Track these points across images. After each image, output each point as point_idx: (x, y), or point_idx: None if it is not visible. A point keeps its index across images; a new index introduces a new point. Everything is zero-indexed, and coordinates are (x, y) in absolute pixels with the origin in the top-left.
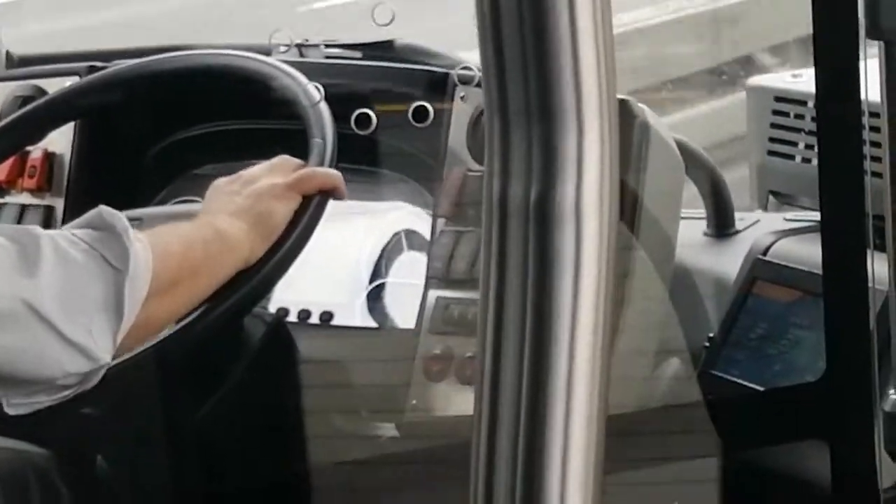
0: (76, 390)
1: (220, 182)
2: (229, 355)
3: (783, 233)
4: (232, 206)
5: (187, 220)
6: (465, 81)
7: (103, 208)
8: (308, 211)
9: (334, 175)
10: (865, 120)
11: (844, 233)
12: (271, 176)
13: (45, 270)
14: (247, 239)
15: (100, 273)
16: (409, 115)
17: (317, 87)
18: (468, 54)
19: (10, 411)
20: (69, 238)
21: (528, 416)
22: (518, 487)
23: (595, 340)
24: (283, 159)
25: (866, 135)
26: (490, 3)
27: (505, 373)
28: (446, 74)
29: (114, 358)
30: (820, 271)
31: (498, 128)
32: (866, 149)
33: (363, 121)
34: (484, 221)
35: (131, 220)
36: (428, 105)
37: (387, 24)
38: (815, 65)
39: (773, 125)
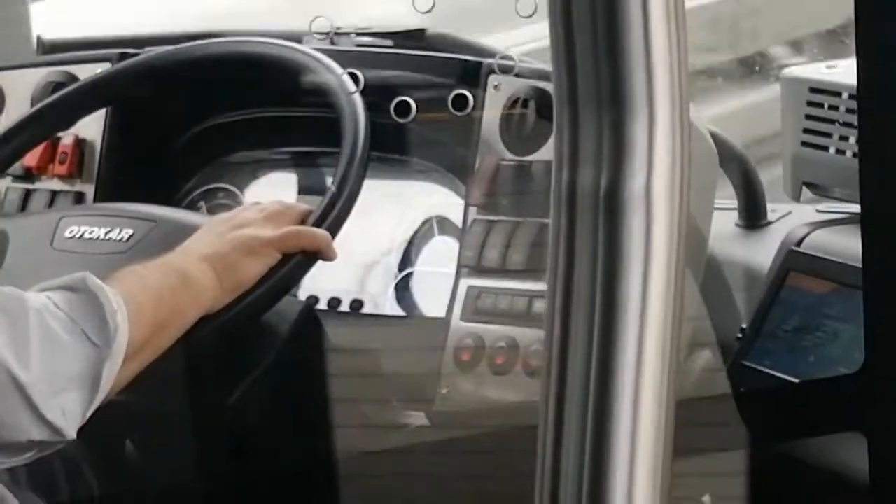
0: (33, 457)
1: (216, 219)
2: (259, 343)
3: (817, 224)
4: (208, 250)
5: (162, 261)
6: (504, 70)
7: (88, 277)
8: (284, 269)
9: (321, 237)
10: None
11: (885, 224)
12: (261, 226)
13: (33, 348)
14: (210, 287)
15: (81, 351)
16: (449, 103)
17: (355, 77)
18: None
19: None
20: (52, 310)
21: (597, 405)
22: (586, 476)
23: (664, 330)
24: (282, 207)
25: None
26: None
27: (573, 362)
28: (479, 63)
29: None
30: (855, 263)
31: (568, 116)
32: None
33: (402, 109)
34: (553, 210)
35: (146, 219)
36: (467, 93)
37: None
38: (858, 55)
39: (808, 116)
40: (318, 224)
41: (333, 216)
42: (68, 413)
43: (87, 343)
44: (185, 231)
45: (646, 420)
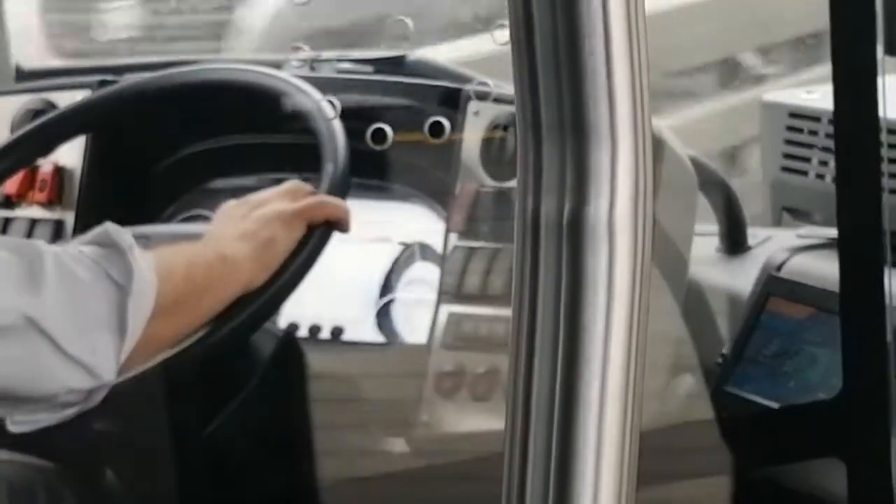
0: (79, 409)
1: (230, 205)
2: (239, 370)
3: (797, 249)
4: (237, 231)
5: (193, 242)
6: (481, 97)
7: (109, 225)
8: (312, 240)
9: (342, 206)
10: (884, 137)
11: (861, 250)
12: (280, 201)
13: (49, 287)
14: (249, 264)
15: (103, 291)
16: (426, 130)
17: (331, 103)
18: None
19: (14, 429)
20: (74, 254)
21: (561, 434)
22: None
23: (628, 359)
24: (295, 184)
25: (884, 152)
26: (524, 18)
27: (537, 390)
28: (458, 90)
29: (117, 377)
30: (835, 288)
31: (531, 143)
32: (883, 166)
33: (379, 135)
34: (516, 237)
35: (139, 237)
36: (444, 121)
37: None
38: (834, 81)
39: (787, 141)
40: (299, 248)
41: (313, 243)
42: (99, 352)
43: (110, 282)
44: (183, 240)
45: (610, 445)
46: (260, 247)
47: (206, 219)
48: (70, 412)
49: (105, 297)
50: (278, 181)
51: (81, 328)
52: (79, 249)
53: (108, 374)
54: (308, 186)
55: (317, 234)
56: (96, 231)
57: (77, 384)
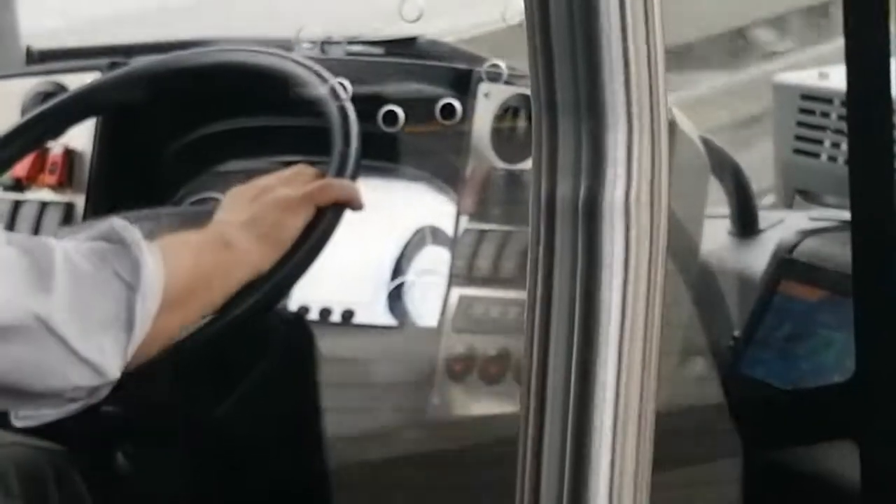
0: (83, 404)
1: (237, 190)
2: (250, 353)
3: (809, 232)
4: (244, 216)
5: (200, 226)
6: (493, 78)
7: (115, 220)
8: (322, 223)
9: (351, 187)
10: None
11: (874, 232)
12: (287, 186)
13: (58, 285)
14: (256, 250)
15: (111, 288)
16: (437, 112)
17: (342, 86)
18: None
19: (18, 424)
20: (81, 251)
21: (576, 417)
22: (566, 488)
23: (645, 341)
24: (301, 168)
25: None
26: None
27: (553, 373)
28: (469, 71)
29: (126, 368)
30: (847, 270)
31: (546, 125)
32: None
33: (390, 118)
34: (532, 220)
35: (149, 217)
36: (455, 103)
37: (415, 21)
38: (847, 63)
39: (800, 123)
40: (301, 242)
41: (322, 226)
42: (106, 351)
43: (117, 280)
44: (193, 220)
45: (627, 429)
46: (267, 233)
47: (216, 201)
48: (74, 407)
49: (113, 294)
50: (289, 164)
51: (90, 327)
52: (86, 245)
53: (115, 371)
54: (313, 169)
55: (326, 216)
56: (102, 226)
57: (84, 382)
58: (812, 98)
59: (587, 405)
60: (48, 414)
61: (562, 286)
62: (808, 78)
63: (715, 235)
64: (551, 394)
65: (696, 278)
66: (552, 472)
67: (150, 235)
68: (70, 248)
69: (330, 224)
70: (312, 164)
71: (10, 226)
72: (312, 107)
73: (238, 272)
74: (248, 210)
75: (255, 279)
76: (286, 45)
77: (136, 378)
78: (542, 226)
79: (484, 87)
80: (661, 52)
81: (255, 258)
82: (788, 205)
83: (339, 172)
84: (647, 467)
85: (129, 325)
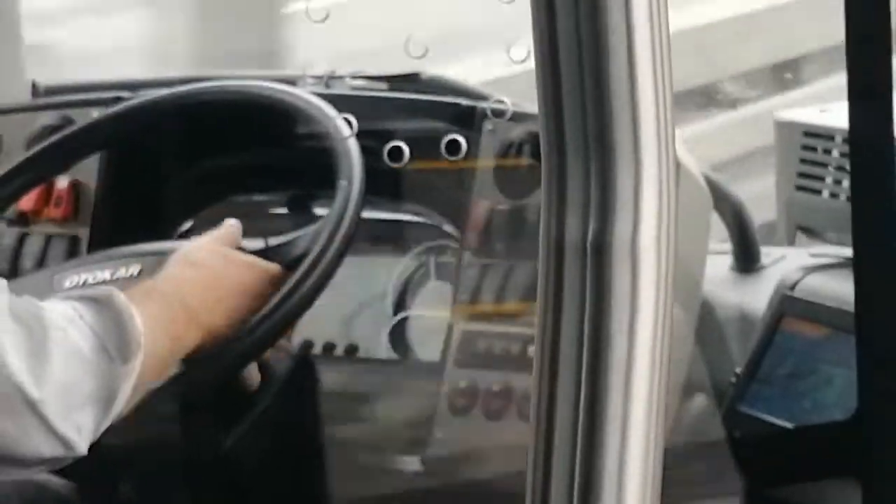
0: (43, 470)
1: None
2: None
3: (811, 268)
4: (202, 274)
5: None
6: (498, 115)
7: (115, 293)
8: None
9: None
10: None
11: (877, 269)
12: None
13: (51, 365)
14: (222, 325)
15: (100, 366)
16: (442, 148)
17: (347, 121)
18: None
19: None
20: (76, 322)
21: (584, 453)
22: None
23: (652, 380)
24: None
25: None
26: (548, 38)
27: (560, 411)
28: (473, 107)
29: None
30: (849, 307)
31: (555, 163)
32: None
33: (395, 153)
34: (540, 257)
35: (157, 253)
36: (460, 139)
37: (420, 57)
38: (849, 99)
39: (802, 160)
40: (312, 267)
41: (328, 260)
42: (82, 429)
43: (107, 359)
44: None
45: (633, 468)
46: (223, 297)
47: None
48: (33, 471)
49: (100, 373)
50: (295, 198)
51: (72, 405)
52: (79, 313)
53: (84, 448)
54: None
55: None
56: (102, 291)
57: (52, 454)
58: (814, 135)
59: (595, 443)
60: (7, 474)
61: (570, 324)
62: (810, 114)
63: (717, 271)
64: (559, 431)
65: (698, 314)
66: None
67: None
68: (67, 319)
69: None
70: (317, 198)
71: (15, 259)
72: (317, 142)
73: (192, 339)
74: (211, 270)
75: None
76: (291, 81)
77: (141, 411)
78: (551, 264)
79: (489, 124)
80: (670, 93)
81: (212, 327)
82: (790, 241)
83: (344, 208)
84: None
85: (110, 403)
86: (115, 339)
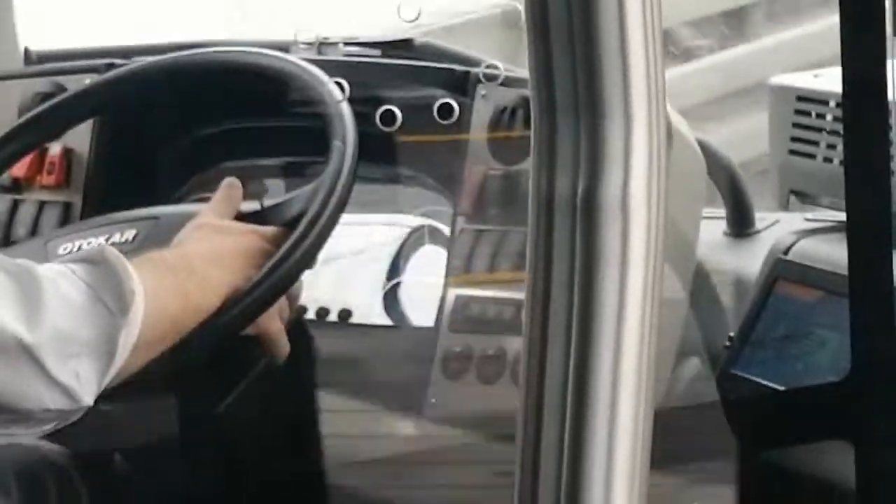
0: (53, 427)
1: (200, 221)
2: (248, 353)
3: (804, 232)
4: (210, 246)
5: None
6: (490, 79)
7: (107, 248)
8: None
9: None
10: (892, 120)
11: (870, 233)
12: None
13: (44, 311)
14: (225, 282)
15: (97, 316)
16: (434, 112)
17: (340, 86)
18: None
19: None
20: (69, 276)
21: (574, 411)
22: (564, 483)
23: (641, 335)
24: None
25: (892, 135)
26: None
27: (551, 367)
28: (466, 73)
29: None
30: (843, 271)
31: (545, 122)
32: (893, 149)
33: (388, 118)
34: (530, 216)
35: (149, 218)
36: (453, 102)
37: (413, 20)
38: (842, 64)
39: (795, 125)
40: (306, 232)
41: (322, 225)
42: (83, 378)
43: (104, 309)
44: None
45: (623, 425)
46: (231, 265)
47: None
48: (45, 428)
49: (97, 322)
50: (288, 164)
51: (70, 353)
52: (75, 268)
53: (88, 398)
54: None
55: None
56: (93, 250)
57: (56, 405)
58: (808, 99)
59: (584, 400)
60: (15, 433)
61: (560, 281)
62: (803, 79)
63: (711, 236)
64: (549, 387)
65: (692, 279)
66: (550, 467)
67: (147, 238)
68: (58, 273)
69: (306, 254)
70: (311, 164)
71: (8, 226)
72: (310, 107)
73: (206, 303)
74: (214, 241)
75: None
76: (283, 47)
77: (135, 377)
78: (541, 222)
79: (482, 89)
80: (660, 51)
81: (223, 290)
82: (784, 205)
83: (339, 165)
84: (644, 462)
85: (110, 354)
86: (110, 290)
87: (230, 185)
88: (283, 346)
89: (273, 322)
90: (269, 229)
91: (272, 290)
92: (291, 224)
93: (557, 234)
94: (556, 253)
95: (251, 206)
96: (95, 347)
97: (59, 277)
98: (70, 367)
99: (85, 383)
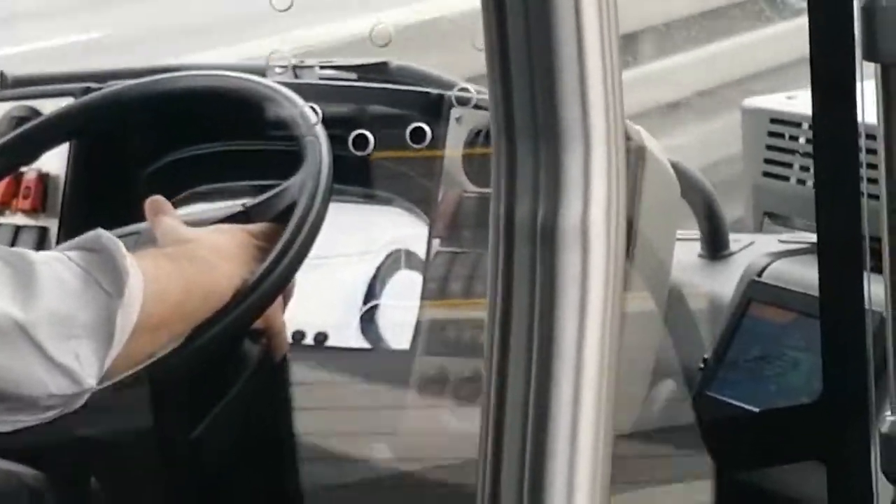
0: (59, 412)
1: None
2: (225, 376)
3: (778, 254)
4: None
5: (183, 249)
6: (463, 102)
7: (101, 232)
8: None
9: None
10: (862, 142)
11: (841, 254)
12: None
13: (40, 295)
14: (228, 270)
15: (93, 297)
16: (407, 136)
17: (314, 110)
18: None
19: None
20: (63, 260)
21: (534, 438)
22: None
23: (601, 361)
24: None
25: (862, 157)
26: (496, 22)
27: (512, 393)
28: (441, 96)
29: (99, 384)
30: (815, 293)
31: (504, 147)
32: (862, 171)
33: (361, 142)
34: (490, 241)
35: (130, 234)
36: (425, 127)
37: (384, 46)
38: (812, 86)
39: (769, 146)
40: (280, 256)
41: (296, 249)
42: (82, 358)
43: (99, 290)
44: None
45: (584, 451)
46: (233, 254)
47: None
48: (50, 415)
49: (94, 304)
50: (263, 187)
51: (68, 334)
52: (70, 254)
53: (91, 380)
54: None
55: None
56: (87, 236)
57: (60, 389)
58: (780, 122)
59: (545, 425)
60: (23, 420)
61: (520, 306)
62: (776, 102)
63: (685, 258)
64: (510, 411)
65: (666, 300)
66: (510, 487)
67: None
68: (52, 258)
69: (302, 247)
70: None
71: None
72: (284, 130)
73: (215, 302)
74: (211, 237)
75: (225, 305)
76: (258, 70)
77: (110, 399)
78: (501, 247)
79: (456, 112)
80: (619, 78)
81: (231, 280)
82: (758, 227)
83: (313, 196)
84: (605, 487)
85: (109, 336)
86: (106, 273)
87: (153, 201)
88: (286, 340)
89: (278, 315)
90: (256, 226)
91: (280, 281)
92: (283, 215)
93: (517, 260)
94: (515, 278)
95: (233, 208)
96: (93, 329)
97: (54, 262)
98: (69, 348)
99: (86, 364)
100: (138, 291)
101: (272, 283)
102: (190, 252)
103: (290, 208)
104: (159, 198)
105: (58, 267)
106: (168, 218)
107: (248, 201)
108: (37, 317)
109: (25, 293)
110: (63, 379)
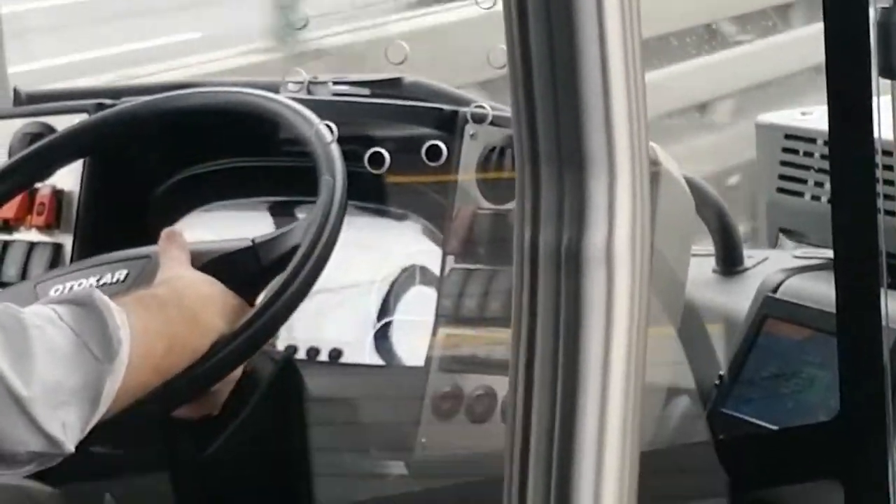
0: (32, 469)
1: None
2: (238, 393)
3: (793, 270)
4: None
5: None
6: (478, 120)
7: (95, 292)
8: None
9: None
10: (878, 158)
11: (857, 271)
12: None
13: (33, 360)
14: (223, 328)
15: (82, 363)
16: (423, 154)
17: (329, 127)
18: None
19: None
20: (55, 321)
21: (560, 462)
22: None
23: (627, 386)
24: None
25: (879, 173)
26: (521, 49)
27: (536, 420)
28: (455, 112)
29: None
30: (832, 309)
31: (529, 173)
32: (879, 187)
33: (376, 159)
34: (515, 267)
35: (141, 257)
36: (441, 144)
37: (400, 63)
38: (829, 103)
39: (783, 163)
40: (295, 273)
41: (311, 265)
42: (68, 426)
43: (90, 357)
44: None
45: (609, 475)
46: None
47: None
48: (23, 470)
49: (83, 369)
50: (278, 204)
51: (57, 402)
52: (61, 311)
53: (71, 446)
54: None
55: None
56: (81, 293)
57: (39, 450)
58: (795, 137)
59: (571, 450)
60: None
61: (545, 332)
62: (791, 117)
63: (700, 274)
64: (535, 438)
65: (681, 317)
66: None
67: (139, 278)
68: (45, 319)
69: (299, 289)
70: (300, 203)
71: None
72: (299, 147)
73: (191, 346)
74: (206, 284)
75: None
76: (272, 86)
77: (124, 418)
78: (526, 272)
79: (470, 128)
80: (644, 102)
81: (211, 333)
82: (773, 243)
83: (329, 201)
84: None
85: (95, 402)
86: (96, 337)
87: (171, 233)
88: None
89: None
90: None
91: (271, 325)
92: (283, 259)
93: (542, 284)
94: (540, 303)
95: (241, 242)
96: (82, 395)
97: (46, 324)
98: (57, 416)
99: (69, 431)
100: (125, 356)
101: (257, 330)
102: (178, 297)
103: (295, 250)
104: (176, 230)
105: (50, 332)
106: (177, 250)
107: (257, 238)
108: (35, 391)
109: (22, 362)
110: (46, 444)
